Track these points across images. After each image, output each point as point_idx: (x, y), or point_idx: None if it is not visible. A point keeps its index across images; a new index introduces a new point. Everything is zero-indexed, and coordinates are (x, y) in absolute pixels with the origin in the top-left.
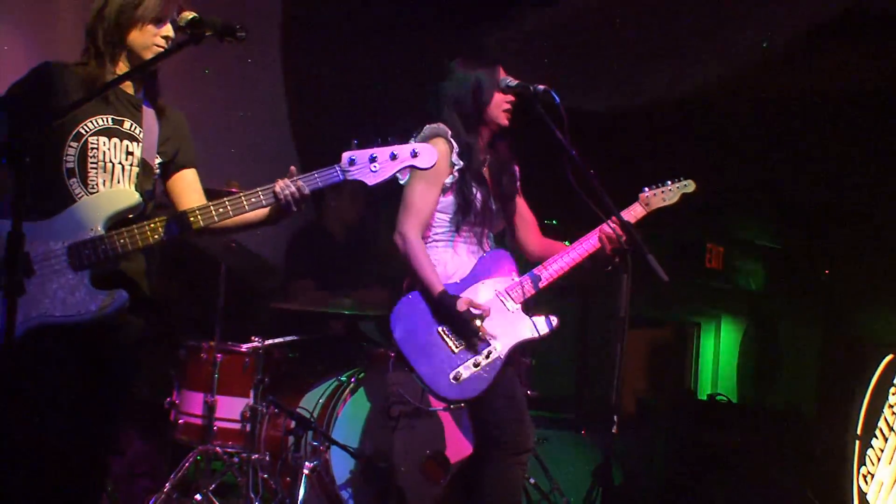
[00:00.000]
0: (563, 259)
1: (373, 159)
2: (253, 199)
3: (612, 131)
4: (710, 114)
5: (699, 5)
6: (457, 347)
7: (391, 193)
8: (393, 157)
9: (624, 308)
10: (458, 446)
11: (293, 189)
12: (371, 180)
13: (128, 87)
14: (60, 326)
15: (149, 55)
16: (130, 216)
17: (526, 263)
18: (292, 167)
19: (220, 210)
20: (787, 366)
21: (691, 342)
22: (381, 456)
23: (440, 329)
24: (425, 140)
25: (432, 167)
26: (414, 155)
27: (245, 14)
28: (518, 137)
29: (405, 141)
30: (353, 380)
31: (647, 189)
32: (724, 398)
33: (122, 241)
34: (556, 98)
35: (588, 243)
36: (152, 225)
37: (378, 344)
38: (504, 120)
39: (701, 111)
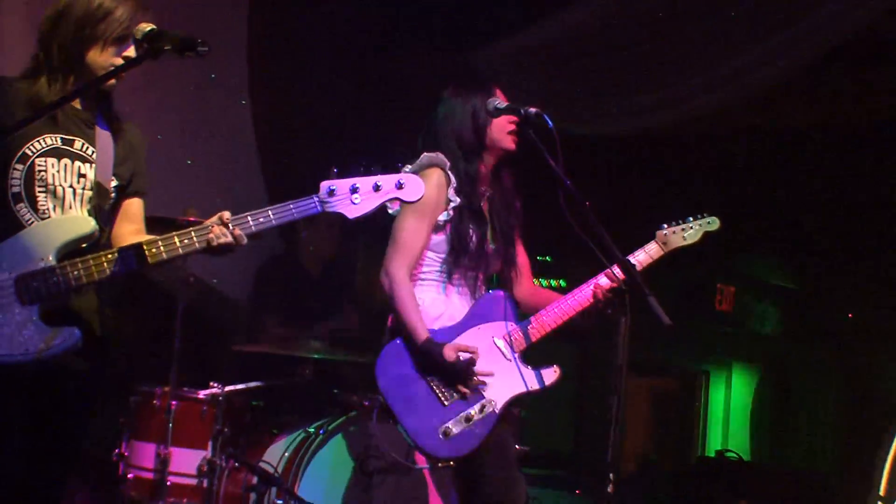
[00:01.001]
0: (556, 310)
1: (354, 190)
2: (186, 240)
3: (616, 162)
4: (722, 145)
5: (705, 31)
6: (447, 400)
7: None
8: (377, 188)
9: (622, 355)
10: None
11: (229, 239)
12: (352, 213)
13: (79, 104)
14: (3, 367)
15: None
16: (84, 245)
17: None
18: (225, 213)
19: (153, 250)
20: (803, 419)
21: (699, 392)
22: None
23: (429, 379)
24: (422, 168)
25: (420, 200)
26: (399, 186)
27: (209, 28)
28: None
29: (391, 170)
30: (322, 431)
31: (665, 226)
32: (735, 455)
33: (75, 273)
34: (550, 122)
35: (581, 296)
36: (109, 256)
37: (353, 391)
38: (510, 143)
39: (712, 143)
